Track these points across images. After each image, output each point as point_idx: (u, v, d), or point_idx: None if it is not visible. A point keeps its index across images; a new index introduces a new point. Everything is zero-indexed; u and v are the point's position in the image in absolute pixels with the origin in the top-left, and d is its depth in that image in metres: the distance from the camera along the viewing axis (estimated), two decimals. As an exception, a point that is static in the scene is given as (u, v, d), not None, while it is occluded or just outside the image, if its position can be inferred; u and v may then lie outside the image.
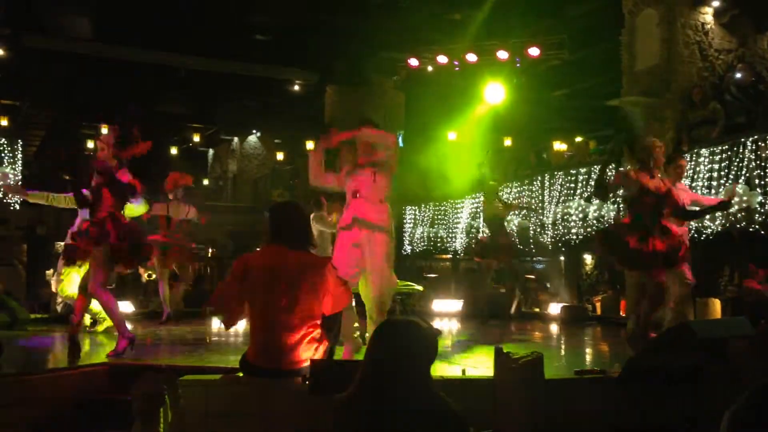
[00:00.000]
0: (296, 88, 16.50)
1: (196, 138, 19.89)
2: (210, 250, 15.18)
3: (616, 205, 9.98)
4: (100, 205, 5.58)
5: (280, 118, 18.54)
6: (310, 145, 17.76)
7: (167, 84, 15.96)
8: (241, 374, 4.02)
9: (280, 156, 20.16)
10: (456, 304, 10.90)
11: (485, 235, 10.49)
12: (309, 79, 15.99)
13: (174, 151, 19.31)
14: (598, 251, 6.08)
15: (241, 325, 4.79)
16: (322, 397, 3.17)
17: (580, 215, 10.37)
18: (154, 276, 12.29)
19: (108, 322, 7.23)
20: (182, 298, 9.32)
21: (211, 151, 22.98)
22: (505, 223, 10.44)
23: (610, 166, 9.58)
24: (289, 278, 3.77)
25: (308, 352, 3.80)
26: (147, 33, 13.38)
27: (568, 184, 10.84)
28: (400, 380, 2.27)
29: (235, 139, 21.46)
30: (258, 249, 4.02)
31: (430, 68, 13.70)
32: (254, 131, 20.97)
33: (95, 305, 6.57)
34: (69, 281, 7.25)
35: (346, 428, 2.25)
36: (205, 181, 21.54)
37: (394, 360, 2.31)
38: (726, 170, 8.23)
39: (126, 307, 9.11)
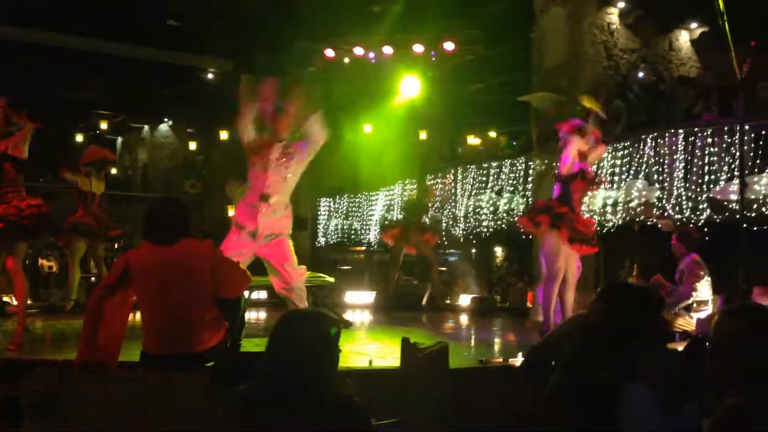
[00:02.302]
0: (210, 76, 16.14)
1: (104, 125, 19.17)
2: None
3: (525, 199, 10.26)
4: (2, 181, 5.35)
5: (193, 107, 18.08)
6: (224, 135, 17.44)
7: (73, 68, 15.29)
8: (141, 368, 3.91)
9: (192, 146, 19.69)
10: (369, 296, 10.92)
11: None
12: (223, 68, 15.65)
13: (80, 138, 18.56)
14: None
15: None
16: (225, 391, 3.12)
17: (491, 208, 10.59)
18: (54, 269, 11.79)
19: None
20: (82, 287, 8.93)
21: (119, 140, 22.22)
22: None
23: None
24: (174, 264, 3.75)
25: (206, 334, 3.77)
26: (51, 15, 12.77)
27: (480, 178, 11.06)
28: (300, 372, 2.25)
29: (146, 127, 20.86)
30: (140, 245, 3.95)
31: (346, 60, 13.64)
32: (166, 120, 20.41)
33: None
34: None
35: (242, 422, 2.21)
36: (113, 171, 20.79)
37: (294, 351, 2.29)
38: (627, 166, 8.57)
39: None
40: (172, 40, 14.29)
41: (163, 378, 3.72)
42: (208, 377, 3.67)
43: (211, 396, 3.44)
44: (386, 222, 11.56)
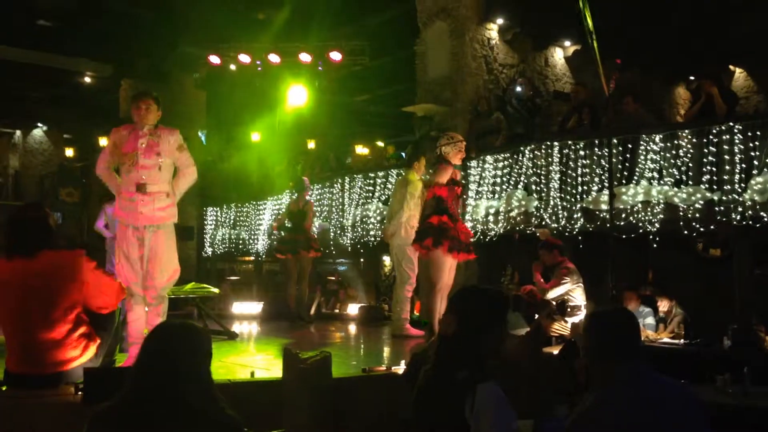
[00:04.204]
0: (88, 80, 15.46)
1: (-31, 130, 18.00)
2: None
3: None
4: None
5: (70, 112, 17.29)
6: (103, 141, 16.72)
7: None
8: (5, 388, 3.67)
9: (69, 152, 18.80)
10: (257, 307, 10.76)
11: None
12: (101, 72, 15.02)
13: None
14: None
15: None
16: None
17: (378, 217, 10.69)
18: None
19: None
20: None
21: (-12, 145, 20.91)
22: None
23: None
24: (39, 276, 3.54)
25: (75, 351, 3.58)
26: None
27: (367, 187, 11.13)
28: (168, 386, 2.19)
29: (18, 132, 19.74)
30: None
31: (233, 67, 13.43)
32: (40, 124, 19.42)
33: None
34: None
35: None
36: (-19, 178, 19.53)
37: (163, 364, 2.23)
38: (508, 176, 8.88)
39: None
40: (46, 41, 13.56)
41: (27, 398, 3.51)
42: (76, 396, 3.50)
43: (79, 416, 3.27)
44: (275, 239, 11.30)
